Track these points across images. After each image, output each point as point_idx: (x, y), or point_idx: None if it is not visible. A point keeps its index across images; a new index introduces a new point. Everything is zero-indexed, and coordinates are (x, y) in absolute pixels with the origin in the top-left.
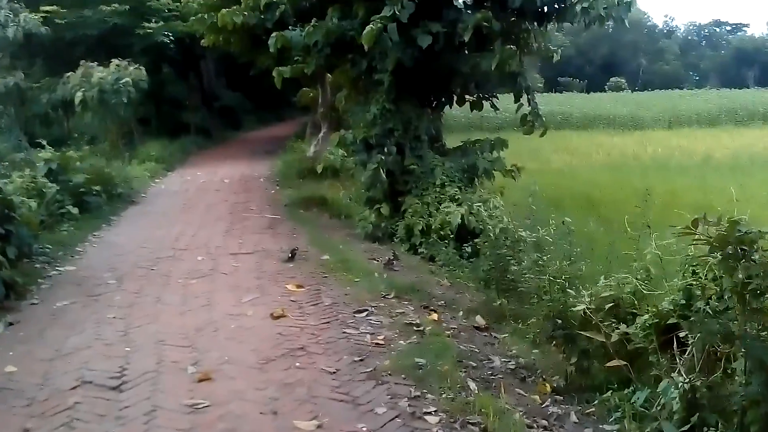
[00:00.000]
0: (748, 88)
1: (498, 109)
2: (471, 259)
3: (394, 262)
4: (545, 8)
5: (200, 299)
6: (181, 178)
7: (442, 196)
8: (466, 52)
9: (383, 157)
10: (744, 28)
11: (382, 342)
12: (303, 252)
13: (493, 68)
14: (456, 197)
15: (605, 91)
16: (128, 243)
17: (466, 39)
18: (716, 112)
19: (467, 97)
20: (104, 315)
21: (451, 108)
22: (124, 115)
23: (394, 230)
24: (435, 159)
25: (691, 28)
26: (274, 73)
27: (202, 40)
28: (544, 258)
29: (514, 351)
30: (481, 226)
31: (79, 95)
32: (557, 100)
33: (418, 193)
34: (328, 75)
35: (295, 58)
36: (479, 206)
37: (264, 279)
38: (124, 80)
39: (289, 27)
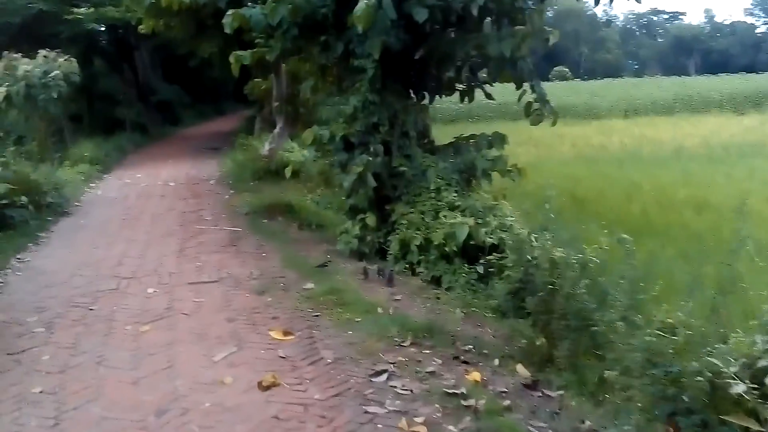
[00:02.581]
0: (688, 75)
1: (493, 99)
2: (483, 281)
3: (392, 280)
4: None
5: (158, 358)
6: (120, 181)
7: (438, 203)
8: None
9: (370, 158)
10: (680, 17)
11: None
12: (279, 278)
13: (509, 53)
14: (456, 204)
15: (550, 80)
16: (60, 269)
17: (475, 13)
18: (671, 100)
19: (457, 85)
20: (27, 388)
21: (441, 98)
22: (53, 112)
23: (383, 245)
24: (426, 159)
25: (629, 17)
26: (231, 59)
27: (140, 27)
28: (636, 295)
29: (588, 424)
30: (493, 241)
31: (2, 90)
32: (508, 90)
33: (410, 200)
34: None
35: (255, 41)
36: (488, 215)
37: (238, 321)
38: (53, 73)
39: (246, 5)
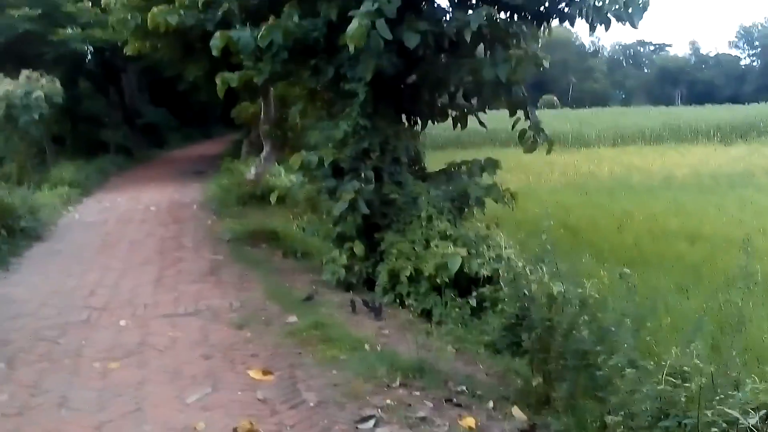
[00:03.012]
0: (674, 105)
1: (485, 127)
2: (476, 314)
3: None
4: (547, 5)
5: (126, 399)
6: (99, 204)
7: (430, 233)
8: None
9: (361, 185)
10: (666, 48)
11: None
12: (261, 311)
13: (505, 78)
14: (448, 233)
15: (539, 108)
16: (29, 298)
17: (468, 39)
18: (659, 130)
19: (450, 111)
20: None
21: (434, 124)
22: (35, 134)
23: (371, 275)
24: (418, 186)
25: (616, 47)
26: (217, 80)
27: (125, 48)
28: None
29: None
30: (487, 272)
31: None
32: (497, 117)
33: (400, 228)
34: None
35: (243, 64)
36: (481, 245)
37: (215, 359)
38: (35, 94)
39: (235, 28)
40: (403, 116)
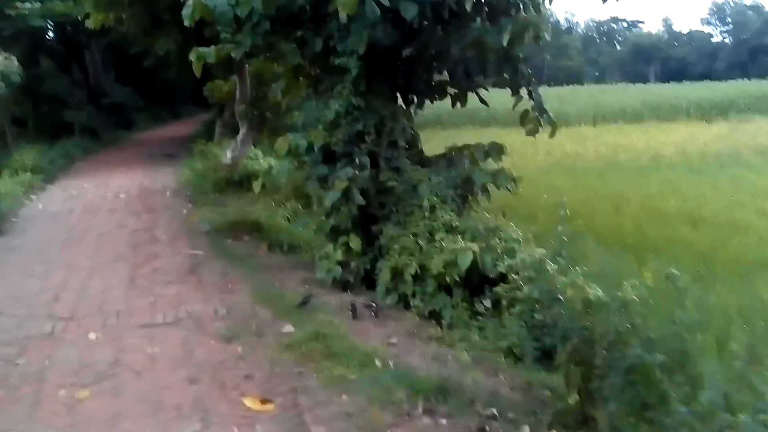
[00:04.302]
0: (649, 83)
1: (487, 105)
2: (490, 316)
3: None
4: None
5: None
6: (64, 192)
7: (433, 224)
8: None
9: (355, 172)
10: (639, 25)
11: None
12: (251, 319)
13: (505, 43)
14: (453, 225)
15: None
16: None
17: (468, 8)
18: (639, 107)
19: (449, 89)
20: None
21: (432, 103)
22: None
23: (370, 272)
24: (417, 172)
25: (590, 24)
26: (192, 57)
27: (87, 22)
28: None
29: None
30: (501, 269)
31: None
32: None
33: (400, 220)
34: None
35: (220, 37)
36: (492, 238)
37: (202, 382)
38: None
39: None
40: (399, 95)
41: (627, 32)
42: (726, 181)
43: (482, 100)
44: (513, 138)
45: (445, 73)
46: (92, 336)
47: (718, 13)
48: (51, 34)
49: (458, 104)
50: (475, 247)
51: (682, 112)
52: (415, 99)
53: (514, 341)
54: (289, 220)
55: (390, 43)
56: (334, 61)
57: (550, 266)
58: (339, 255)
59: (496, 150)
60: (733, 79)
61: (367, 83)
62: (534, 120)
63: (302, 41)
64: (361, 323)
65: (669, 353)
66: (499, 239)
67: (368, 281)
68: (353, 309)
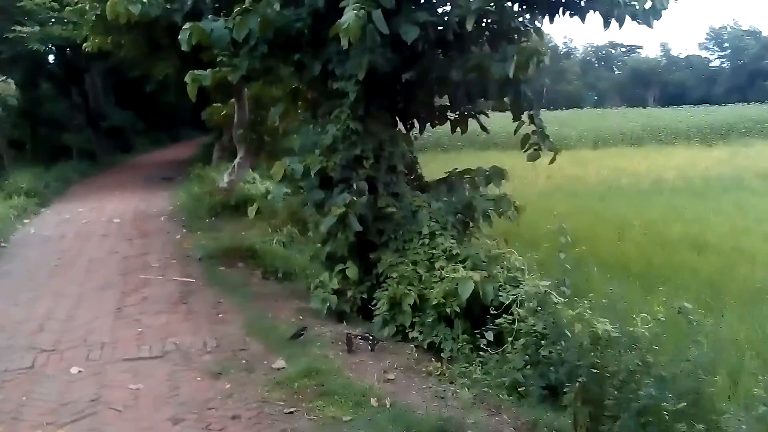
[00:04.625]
0: (647, 107)
1: (488, 131)
2: (491, 350)
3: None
4: None
5: None
6: (58, 216)
7: (433, 252)
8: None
9: (352, 197)
10: (638, 50)
11: None
12: (241, 350)
13: (511, 72)
14: (454, 253)
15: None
16: None
17: (469, 28)
18: (639, 131)
19: (449, 114)
20: None
21: (433, 128)
22: None
23: (367, 301)
24: (416, 198)
25: (588, 49)
26: (187, 80)
27: (85, 45)
28: None
29: None
30: (503, 300)
31: None
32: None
33: (398, 247)
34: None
35: (217, 60)
36: (494, 267)
37: (186, 423)
38: None
39: (206, 18)
40: (398, 119)
41: (625, 57)
42: (729, 206)
43: (483, 127)
44: (513, 161)
45: (446, 97)
46: (74, 370)
47: (716, 38)
48: (51, 57)
49: (483, 129)
50: (476, 276)
51: (682, 136)
52: (416, 123)
53: (517, 377)
54: (284, 245)
55: (390, 68)
56: (333, 85)
57: (555, 298)
58: (335, 283)
59: (498, 175)
60: (731, 103)
61: (366, 107)
62: (535, 145)
63: (300, 65)
64: (357, 357)
65: (683, 394)
66: (502, 268)
67: (365, 311)
68: (348, 342)
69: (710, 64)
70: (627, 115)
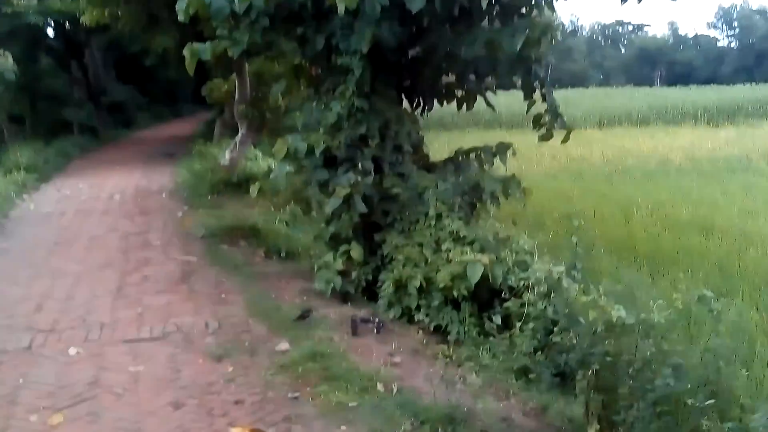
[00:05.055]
0: (653, 86)
1: (494, 108)
2: (499, 333)
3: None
4: None
5: None
6: (58, 192)
7: (440, 234)
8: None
9: (357, 177)
10: (645, 28)
11: None
12: (244, 331)
13: (518, 48)
14: (461, 235)
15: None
16: None
17: (484, 5)
18: (645, 111)
19: (457, 91)
20: None
21: (441, 105)
22: None
23: (371, 283)
24: (423, 178)
25: (595, 27)
26: (185, 53)
27: (82, 18)
28: None
29: None
30: (512, 283)
31: None
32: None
33: (404, 228)
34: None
35: (217, 35)
36: (503, 249)
37: (187, 408)
38: None
39: None
40: (404, 96)
41: (632, 36)
42: (737, 188)
43: (489, 104)
44: (518, 141)
45: (451, 74)
46: (72, 351)
47: (725, 17)
48: (50, 31)
49: (489, 106)
50: (485, 259)
51: (689, 116)
52: (422, 101)
53: (526, 362)
54: (287, 224)
55: (396, 42)
56: (337, 60)
57: (566, 283)
58: (339, 264)
59: (504, 149)
60: (739, 83)
61: (372, 84)
62: (547, 124)
63: (303, 39)
64: (362, 340)
65: (702, 384)
66: (510, 251)
67: (369, 293)
68: (353, 325)
69: (718, 44)
70: (633, 94)
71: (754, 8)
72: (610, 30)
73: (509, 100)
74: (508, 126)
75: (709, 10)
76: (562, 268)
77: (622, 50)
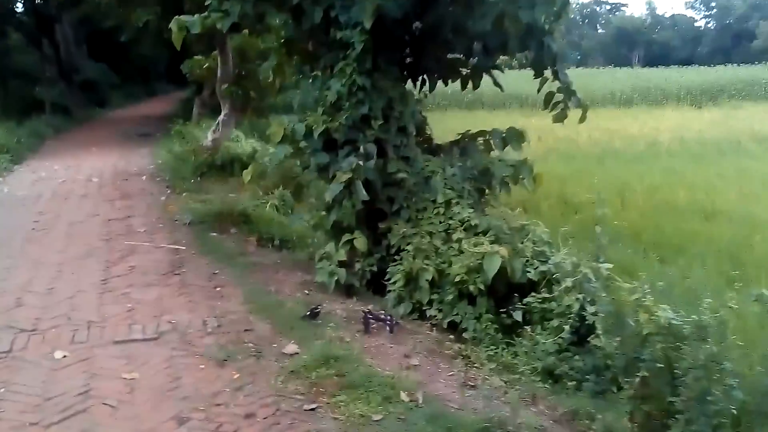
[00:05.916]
0: (632, 67)
1: (502, 88)
2: (519, 330)
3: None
4: None
5: None
6: (33, 174)
7: (450, 221)
8: None
9: (359, 162)
10: (622, 8)
11: None
12: (246, 331)
13: (541, 21)
14: (473, 223)
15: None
16: None
17: None
18: (629, 92)
19: (462, 69)
20: None
21: (446, 84)
22: None
23: (377, 275)
24: (429, 162)
25: (573, 6)
26: (172, 26)
27: None
28: None
29: None
30: (532, 276)
31: None
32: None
33: (411, 216)
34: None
35: (206, 4)
36: (520, 239)
37: (194, 425)
38: None
39: None
40: (407, 74)
41: (610, 15)
42: (731, 171)
43: (496, 83)
44: (501, 122)
45: (458, 50)
46: (59, 355)
47: None
48: (19, 6)
49: (496, 85)
50: (503, 251)
51: (672, 98)
52: (426, 80)
53: (551, 362)
54: (278, 209)
55: (400, 14)
56: (336, 34)
57: (594, 277)
58: (342, 255)
59: (516, 136)
60: (716, 64)
61: (374, 61)
62: (561, 104)
63: (298, 11)
64: (375, 339)
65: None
66: (526, 241)
67: (375, 285)
68: (366, 323)
69: (695, 24)
70: (614, 74)
71: None
72: (588, 9)
73: (488, 80)
74: (492, 106)
75: None
76: (594, 263)
77: (599, 30)
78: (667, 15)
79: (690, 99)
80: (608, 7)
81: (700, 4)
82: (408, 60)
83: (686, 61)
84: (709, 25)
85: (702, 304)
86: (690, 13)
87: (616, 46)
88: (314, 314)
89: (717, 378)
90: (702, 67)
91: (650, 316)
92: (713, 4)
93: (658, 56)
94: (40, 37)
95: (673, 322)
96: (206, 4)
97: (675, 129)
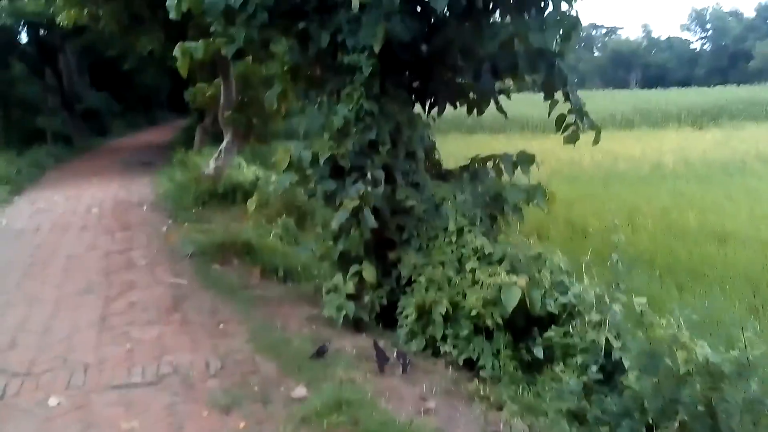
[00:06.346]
0: (629, 89)
1: (506, 115)
2: (539, 367)
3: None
4: None
5: None
6: (32, 206)
7: (463, 250)
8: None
9: (367, 188)
10: (618, 31)
11: None
12: (252, 376)
13: (552, 44)
14: (486, 252)
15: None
16: None
17: None
18: (629, 114)
19: (471, 93)
20: None
21: (455, 108)
22: None
23: (387, 308)
24: (439, 188)
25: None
26: (176, 53)
27: (59, 18)
28: None
29: None
30: (552, 309)
31: None
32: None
33: (421, 245)
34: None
35: (211, 31)
36: (537, 269)
37: None
38: None
39: None
40: (414, 98)
41: (606, 38)
42: (740, 193)
43: (500, 109)
44: (502, 145)
45: (466, 74)
46: (53, 402)
47: (698, 19)
48: (23, 36)
49: (500, 111)
50: (521, 281)
51: (672, 119)
52: (434, 103)
53: (577, 403)
54: (282, 239)
55: (409, 38)
56: (343, 58)
57: (620, 309)
58: (350, 287)
59: (527, 160)
60: (713, 85)
61: (381, 85)
62: (573, 125)
63: (305, 36)
64: (388, 380)
65: None
66: (544, 271)
67: (385, 319)
68: (380, 362)
69: (691, 46)
70: (613, 97)
71: (726, 10)
72: (584, 33)
73: (454, 111)
74: (492, 130)
75: (682, 11)
76: (622, 296)
77: (596, 53)
78: (662, 38)
79: (691, 120)
80: (604, 30)
81: (696, 26)
82: (415, 84)
83: (683, 83)
84: (705, 47)
85: (738, 339)
86: (686, 35)
87: (613, 68)
88: (322, 352)
89: (763, 422)
90: (700, 87)
91: (688, 353)
92: (709, 26)
93: (655, 78)
94: (43, 67)
95: (712, 359)
96: (210, 30)
97: (678, 150)
